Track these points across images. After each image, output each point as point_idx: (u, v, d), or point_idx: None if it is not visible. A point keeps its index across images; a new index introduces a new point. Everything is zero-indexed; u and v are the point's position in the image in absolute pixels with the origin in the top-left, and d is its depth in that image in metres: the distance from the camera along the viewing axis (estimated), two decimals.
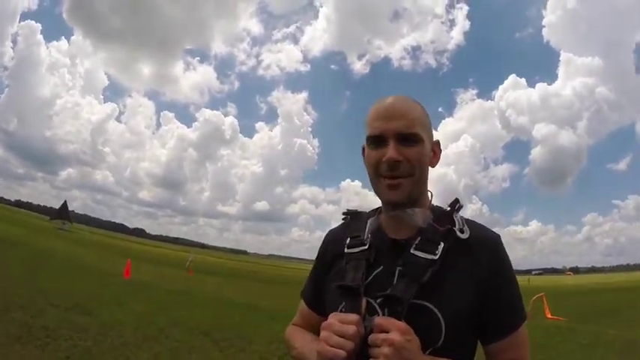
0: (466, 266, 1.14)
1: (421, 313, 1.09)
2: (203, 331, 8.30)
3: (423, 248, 1.13)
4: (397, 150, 1.15)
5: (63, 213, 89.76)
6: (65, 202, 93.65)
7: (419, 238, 1.16)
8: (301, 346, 1.27)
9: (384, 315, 1.08)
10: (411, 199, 1.18)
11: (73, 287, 11.10)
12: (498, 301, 1.15)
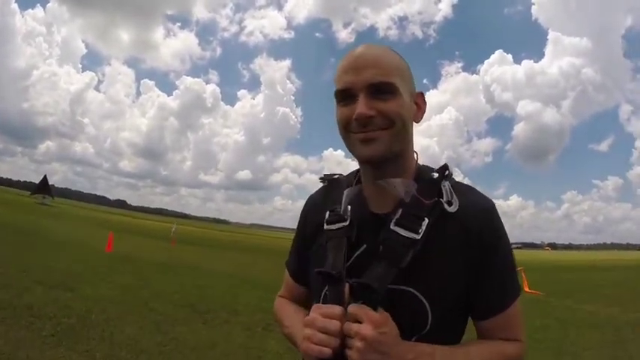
0: (455, 245, 1.03)
1: (404, 299, 1.01)
2: (187, 303, 8.46)
3: (405, 224, 1.00)
4: (368, 104, 1.00)
5: (43, 187, 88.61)
6: (45, 176, 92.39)
7: (400, 211, 1.03)
8: (291, 325, 1.20)
9: (359, 301, 0.96)
10: (391, 154, 1.04)
11: (56, 263, 11.13)
12: (490, 278, 1.05)
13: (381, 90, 1.00)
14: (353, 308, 0.95)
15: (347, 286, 0.99)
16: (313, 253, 1.20)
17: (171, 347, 5.57)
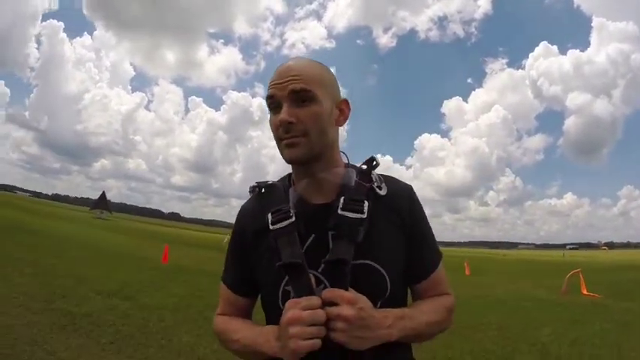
0: (392, 220, 1.21)
1: (365, 272, 1.13)
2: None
3: (350, 208, 1.15)
4: (289, 111, 1.14)
5: (102, 203, 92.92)
6: (103, 192, 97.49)
7: (342, 199, 1.17)
8: (245, 336, 1.21)
9: (328, 284, 1.09)
10: (311, 156, 1.18)
11: (114, 274, 11.46)
12: (422, 245, 1.26)
13: (302, 97, 1.14)
14: (327, 293, 1.03)
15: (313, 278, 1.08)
16: (257, 258, 1.25)
17: (228, 355, 5.48)
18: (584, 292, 14.16)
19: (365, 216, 1.13)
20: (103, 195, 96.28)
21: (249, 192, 1.34)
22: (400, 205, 1.24)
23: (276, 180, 1.36)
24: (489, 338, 7.46)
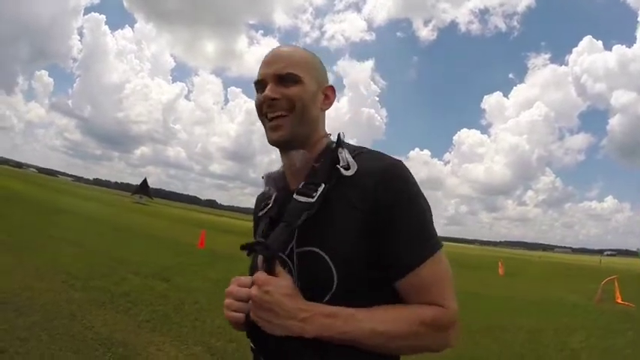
0: (348, 201, 1.09)
1: (310, 259, 1.08)
2: None
3: (303, 192, 1.13)
4: (273, 89, 1.18)
5: (143, 189, 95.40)
6: (145, 179, 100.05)
7: (302, 183, 1.16)
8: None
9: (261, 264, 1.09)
10: (295, 138, 1.20)
11: (152, 257, 11.92)
12: (396, 233, 1.06)
13: (286, 79, 1.18)
14: (255, 275, 1.07)
15: (259, 258, 1.10)
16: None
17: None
18: (619, 300, 13.72)
19: (313, 200, 1.09)
20: (145, 181, 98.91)
21: (262, 177, 1.38)
22: (366, 185, 1.08)
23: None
24: (519, 341, 7.41)
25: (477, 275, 20.41)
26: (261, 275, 1.05)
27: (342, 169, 1.12)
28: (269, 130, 1.20)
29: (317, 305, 1.04)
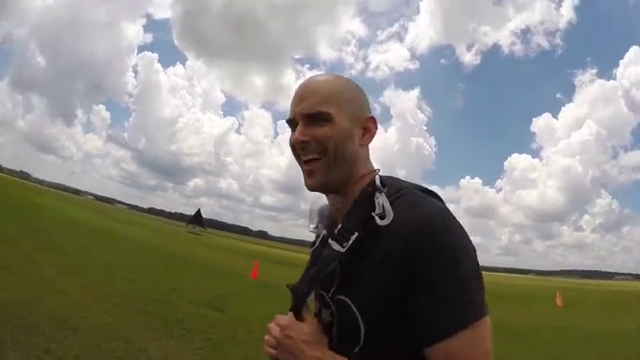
0: (381, 253, 0.97)
1: (343, 308, 1.04)
2: None
3: (337, 238, 1.06)
4: (302, 131, 1.10)
5: (197, 219, 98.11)
6: (199, 210, 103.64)
7: (338, 227, 1.08)
8: None
9: (291, 307, 1.10)
10: (331, 182, 1.12)
11: (205, 286, 11.98)
12: (426, 296, 0.91)
13: (315, 118, 1.09)
14: (280, 317, 1.10)
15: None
16: None
17: None
18: None
19: (343, 250, 1.02)
20: (199, 212, 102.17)
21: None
22: (400, 238, 0.95)
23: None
24: None
25: (535, 307, 19.71)
26: (284, 319, 1.07)
27: (377, 218, 1.00)
28: (305, 175, 1.14)
29: (334, 356, 0.99)
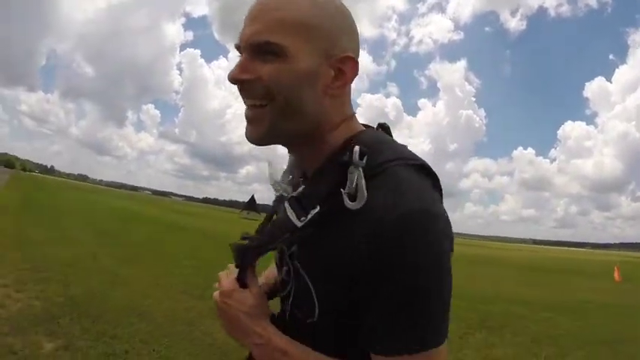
0: (351, 236, 0.79)
1: (298, 276, 0.91)
2: None
3: (294, 207, 0.85)
4: (243, 64, 0.84)
5: (251, 205, 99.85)
6: (253, 195, 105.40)
7: (300, 189, 0.88)
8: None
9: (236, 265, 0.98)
10: (276, 137, 0.89)
11: (262, 267, 12.01)
12: (380, 306, 0.77)
13: (264, 50, 0.82)
14: (222, 273, 1.01)
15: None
16: None
17: None
18: None
19: (299, 224, 0.83)
20: (252, 198, 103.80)
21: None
22: (373, 228, 0.76)
23: None
24: None
25: (590, 282, 18.89)
26: (227, 282, 0.96)
27: (345, 197, 0.79)
28: (246, 120, 0.91)
29: (275, 334, 0.91)
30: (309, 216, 0.82)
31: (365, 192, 0.77)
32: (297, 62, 0.82)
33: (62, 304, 5.66)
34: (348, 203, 0.78)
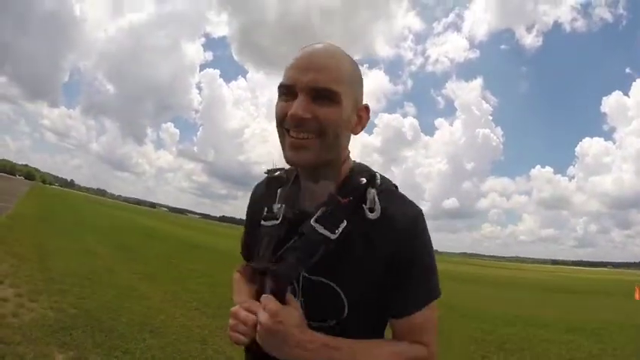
0: (370, 243, 1.10)
1: (321, 289, 1.11)
2: None
3: (324, 222, 1.08)
4: (305, 106, 1.03)
5: None
6: None
7: (322, 210, 1.10)
8: (236, 301, 1.26)
9: (271, 289, 1.09)
10: (320, 164, 1.11)
11: None
12: (406, 282, 1.12)
13: (322, 95, 1.03)
14: (263, 299, 1.06)
15: (269, 282, 1.10)
16: (254, 238, 1.29)
17: None
18: None
19: (334, 237, 1.07)
20: None
21: (264, 173, 1.37)
22: (390, 231, 1.10)
23: (286, 170, 1.33)
24: None
25: (611, 302, 18.59)
26: (272, 304, 1.04)
27: (367, 211, 1.09)
28: (289, 146, 1.09)
29: (322, 337, 1.07)
30: (340, 229, 1.07)
31: (379, 206, 1.10)
32: (344, 109, 1.07)
33: (76, 316, 5.66)
34: (369, 215, 1.09)
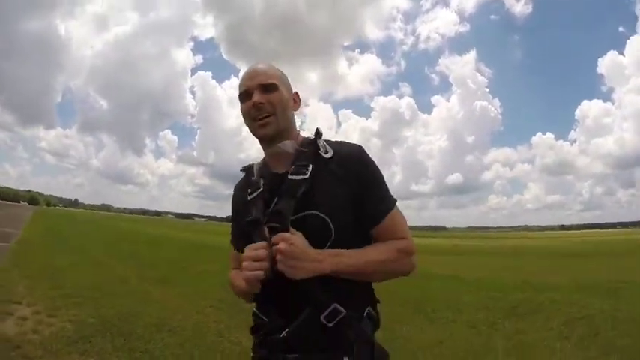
0: (337, 176, 1.48)
1: (309, 219, 1.43)
2: (414, 304, 8.55)
3: (296, 172, 1.47)
4: (259, 96, 1.51)
5: None
6: None
7: (293, 167, 1.49)
8: (238, 283, 1.58)
9: (275, 231, 1.38)
10: (279, 133, 1.54)
11: None
12: (372, 195, 1.51)
13: (267, 87, 1.53)
14: (273, 237, 1.37)
15: (266, 229, 1.41)
16: (244, 225, 1.53)
17: (399, 344, 5.58)
18: None
19: (307, 176, 1.45)
20: None
21: (240, 171, 1.76)
22: (345, 161, 1.51)
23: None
24: None
25: (620, 262, 18.54)
26: (283, 234, 1.35)
27: (323, 154, 1.51)
28: (258, 127, 1.54)
29: (325, 250, 1.40)
30: (309, 170, 1.46)
31: (330, 149, 1.53)
32: (283, 93, 1.56)
33: (94, 325, 5.83)
34: (325, 155, 1.51)
